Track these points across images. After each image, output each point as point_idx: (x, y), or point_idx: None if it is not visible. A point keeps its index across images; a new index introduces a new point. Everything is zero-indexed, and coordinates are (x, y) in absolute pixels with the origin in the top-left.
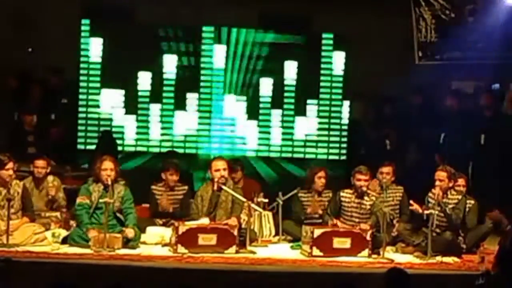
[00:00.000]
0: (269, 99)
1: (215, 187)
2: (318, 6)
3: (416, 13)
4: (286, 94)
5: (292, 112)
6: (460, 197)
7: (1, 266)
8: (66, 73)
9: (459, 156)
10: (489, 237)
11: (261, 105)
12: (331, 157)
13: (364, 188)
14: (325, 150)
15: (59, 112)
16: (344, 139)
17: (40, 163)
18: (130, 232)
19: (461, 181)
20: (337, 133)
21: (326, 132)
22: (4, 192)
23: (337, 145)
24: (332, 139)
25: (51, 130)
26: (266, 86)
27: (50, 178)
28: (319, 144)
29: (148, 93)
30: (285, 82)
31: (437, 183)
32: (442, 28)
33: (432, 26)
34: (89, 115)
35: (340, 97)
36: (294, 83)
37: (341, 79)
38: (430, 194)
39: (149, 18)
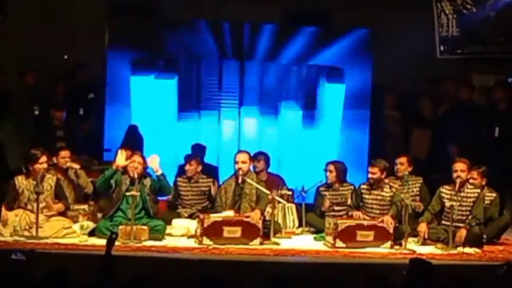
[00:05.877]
0: None
1: (239, 180)
2: (340, 2)
3: (438, 8)
4: None
5: None
6: (478, 190)
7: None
8: (93, 68)
9: (474, 148)
10: (510, 228)
11: None
12: None
13: (372, 181)
14: None
15: (86, 107)
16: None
17: (64, 153)
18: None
19: (472, 174)
20: None
21: None
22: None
23: None
24: None
25: (81, 127)
26: None
27: (73, 165)
28: None
29: None
30: None
31: (457, 174)
32: (464, 23)
33: (454, 21)
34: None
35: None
36: None
37: None
38: (442, 189)
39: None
